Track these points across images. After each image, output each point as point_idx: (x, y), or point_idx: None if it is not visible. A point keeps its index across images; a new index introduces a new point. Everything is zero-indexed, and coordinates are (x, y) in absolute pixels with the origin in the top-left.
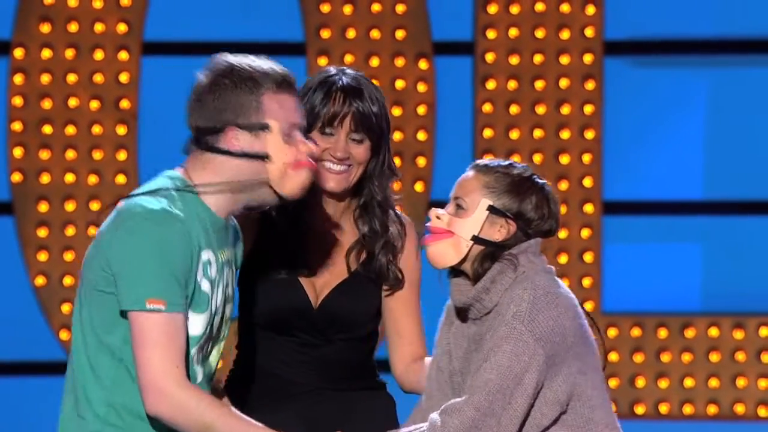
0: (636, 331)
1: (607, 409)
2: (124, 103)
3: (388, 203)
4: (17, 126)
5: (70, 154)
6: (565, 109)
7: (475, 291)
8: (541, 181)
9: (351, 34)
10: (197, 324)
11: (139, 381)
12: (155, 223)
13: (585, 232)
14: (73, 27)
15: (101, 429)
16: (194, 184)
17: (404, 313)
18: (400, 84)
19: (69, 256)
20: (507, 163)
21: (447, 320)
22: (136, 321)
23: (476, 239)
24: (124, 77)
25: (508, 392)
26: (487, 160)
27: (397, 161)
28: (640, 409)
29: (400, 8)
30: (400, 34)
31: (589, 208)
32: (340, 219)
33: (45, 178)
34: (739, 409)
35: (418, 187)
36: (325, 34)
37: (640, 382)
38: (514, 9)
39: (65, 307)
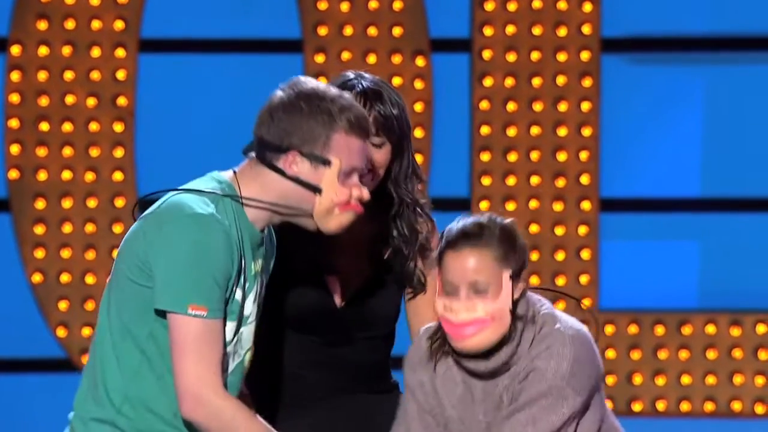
0: (633, 329)
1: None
2: (121, 101)
3: (418, 205)
4: (14, 123)
5: (67, 151)
6: (563, 107)
7: (504, 357)
8: (508, 222)
9: (348, 31)
10: (228, 332)
11: (176, 386)
12: (201, 228)
13: (582, 230)
14: (70, 24)
15: (114, 418)
16: (241, 195)
17: (429, 312)
18: (397, 81)
19: (66, 253)
20: (481, 222)
21: (427, 363)
22: (176, 324)
23: (512, 311)
24: (121, 74)
25: None
26: (461, 229)
27: None
28: (637, 407)
29: (398, 5)
30: (397, 31)
31: (586, 205)
32: (364, 219)
33: (42, 175)
34: (736, 406)
35: None
36: (323, 31)
37: (638, 379)
38: (511, 6)
39: (62, 305)
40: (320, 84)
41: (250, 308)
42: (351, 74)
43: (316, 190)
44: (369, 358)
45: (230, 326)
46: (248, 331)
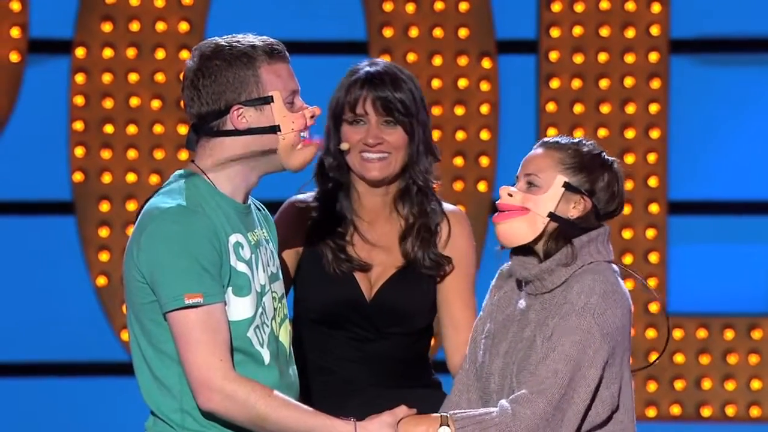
0: (702, 333)
1: (633, 413)
2: None
3: (428, 187)
4: (79, 125)
5: (132, 154)
6: (630, 108)
7: (538, 270)
8: (610, 158)
9: (414, 32)
10: (245, 307)
11: (188, 381)
12: (173, 222)
13: (650, 233)
14: (134, 26)
15: None
16: (204, 171)
17: (457, 302)
18: (463, 83)
19: None
20: (576, 140)
21: (497, 284)
22: (177, 320)
23: (552, 216)
24: None
25: (573, 386)
26: (555, 136)
27: (459, 161)
28: (706, 412)
29: (463, 6)
30: (463, 32)
31: (654, 208)
32: (388, 208)
33: (106, 178)
34: None
35: (481, 186)
36: (388, 32)
37: (707, 384)
38: (579, 7)
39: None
40: (216, 38)
41: (262, 278)
42: (363, 62)
43: (274, 129)
44: (402, 353)
45: (247, 301)
46: (269, 300)
